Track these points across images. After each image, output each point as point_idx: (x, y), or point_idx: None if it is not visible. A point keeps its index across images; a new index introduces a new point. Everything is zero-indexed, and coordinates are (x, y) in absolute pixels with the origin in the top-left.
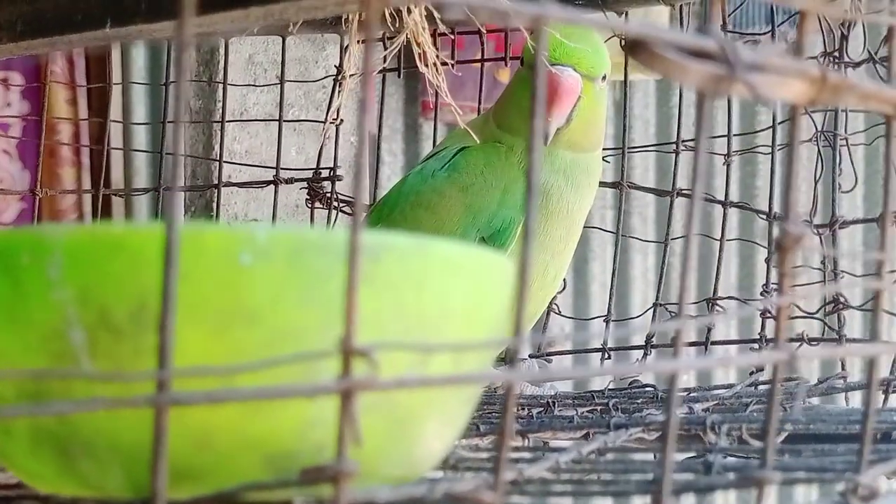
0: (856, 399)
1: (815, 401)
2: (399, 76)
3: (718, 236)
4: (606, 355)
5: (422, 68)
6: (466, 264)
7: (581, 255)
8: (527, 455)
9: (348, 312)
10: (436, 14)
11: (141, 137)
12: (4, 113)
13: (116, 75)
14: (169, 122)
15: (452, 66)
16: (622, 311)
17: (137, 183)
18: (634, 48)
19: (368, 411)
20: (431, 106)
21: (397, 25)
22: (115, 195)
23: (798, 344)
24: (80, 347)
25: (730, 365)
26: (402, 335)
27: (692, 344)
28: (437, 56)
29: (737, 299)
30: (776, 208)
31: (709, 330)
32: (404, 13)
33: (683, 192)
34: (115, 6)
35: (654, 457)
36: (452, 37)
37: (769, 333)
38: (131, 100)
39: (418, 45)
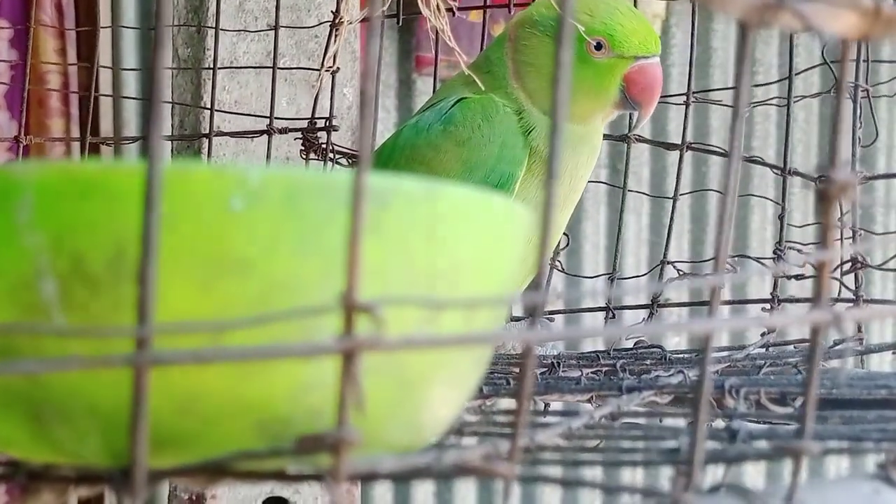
0: (872, 362)
1: (832, 365)
2: (398, 23)
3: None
4: (611, 314)
5: (424, 11)
6: (479, 212)
7: (574, 216)
8: (537, 420)
9: (351, 263)
10: None
11: (131, 86)
12: None
13: (105, 19)
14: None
15: (453, 12)
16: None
17: (128, 132)
18: None
19: (372, 373)
20: (430, 61)
21: None
22: (104, 144)
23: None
24: (51, 300)
25: (768, 325)
26: (410, 289)
27: (698, 304)
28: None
29: (746, 256)
30: (794, 163)
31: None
32: None
33: (693, 145)
34: None
35: (660, 420)
36: None
37: (782, 294)
38: (121, 46)
39: None
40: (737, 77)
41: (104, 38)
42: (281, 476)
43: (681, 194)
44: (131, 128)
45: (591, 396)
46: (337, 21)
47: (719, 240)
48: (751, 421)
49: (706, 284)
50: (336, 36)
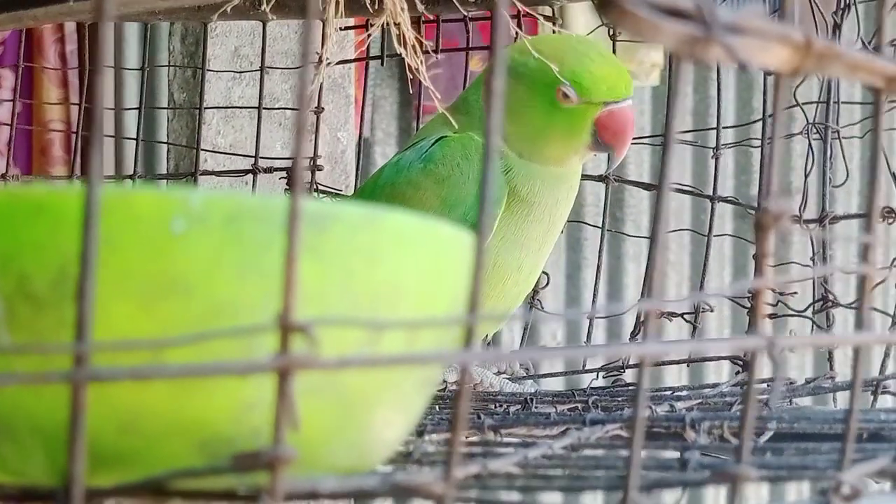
0: (844, 400)
1: (806, 402)
2: (381, 63)
3: (711, 232)
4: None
5: (399, 49)
6: (422, 238)
7: (574, 262)
8: (497, 450)
9: (287, 284)
10: None
11: (132, 128)
12: None
13: (108, 60)
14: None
15: (435, 52)
16: (616, 319)
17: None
18: (605, 5)
19: (313, 393)
20: (432, 109)
21: (376, 7)
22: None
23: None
24: None
25: (705, 353)
26: (351, 312)
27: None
28: (417, 38)
29: (727, 297)
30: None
31: (694, 329)
32: None
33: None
34: None
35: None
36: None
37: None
38: (123, 92)
39: (397, 26)
40: (667, 113)
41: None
42: (231, 497)
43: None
44: (131, 168)
45: (563, 430)
46: (320, 61)
47: (653, 265)
48: (711, 454)
49: (640, 308)
50: (315, 76)
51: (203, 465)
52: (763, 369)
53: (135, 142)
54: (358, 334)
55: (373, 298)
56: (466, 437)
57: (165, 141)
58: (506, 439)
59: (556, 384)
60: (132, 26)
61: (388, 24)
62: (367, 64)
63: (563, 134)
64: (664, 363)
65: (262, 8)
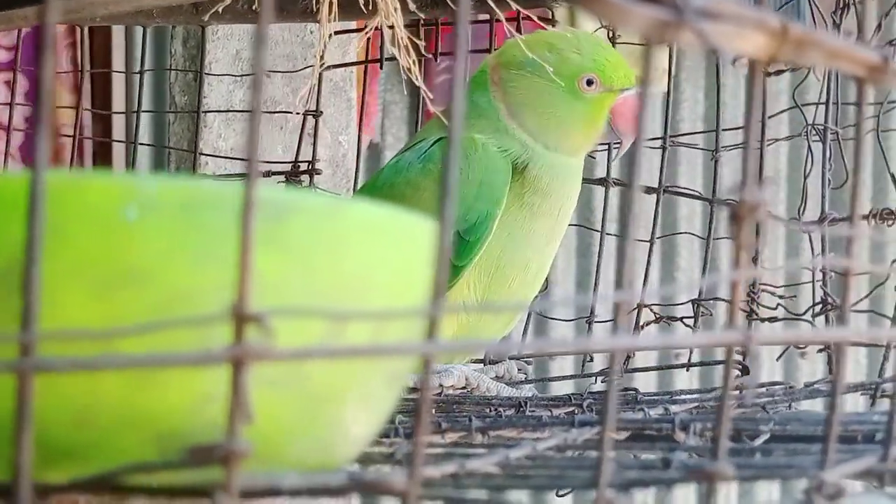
0: (847, 404)
1: (816, 405)
2: (381, 67)
3: (710, 236)
4: (589, 358)
5: (392, 50)
6: (390, 229)
7: (584, 268)
8: (479, 451)
9: (241, 274)
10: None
11: (143, 132)
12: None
13: (119, 66)
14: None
15: (434, 57)
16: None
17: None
18: None
19: (274, 386)
20: (424, 110)
21: (370, 8)
22: None
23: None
24: None
25: (682, 347)
26: (314, 303)
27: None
28: (411, 40)
29: (723, 300)
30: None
31: (694, 332)
32: None
33: (670, 189)
34: None
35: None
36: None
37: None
38: (133, 95)
39: (391, 28)
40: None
41: (118, 85)
42: (191, 493)
43: (657, 237)
44: (144, 172)
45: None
46: (320, 64)
47: (623, 257)
48: (700, 454)
49: (624, 300)
50: (313, 79)
51: (158, 460)
52: (761, 373)
53: (148, 146)
54: (321, 326)
55: (338, 291)
56: (457, 439)
57: (166, 145)
58: (493, 441)
59: (566, 389)
60: (139, 32)
61: (383, 27)
62: (367, 68)
63: (584, 122)
64: (666, 367)
65: (257, 8)
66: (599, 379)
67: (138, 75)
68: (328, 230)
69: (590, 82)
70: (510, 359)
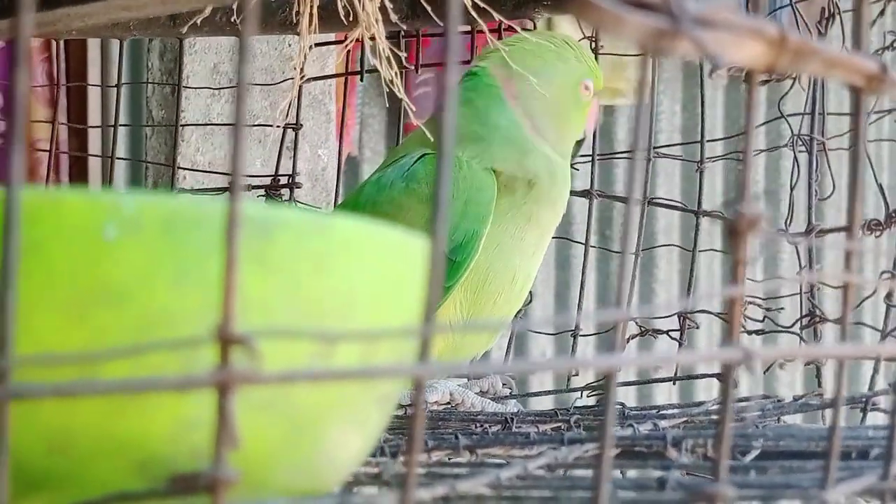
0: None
1: (797, 419)
2: (361, 80)
3: (696, 248)
4: (575, 373)
5: (372, 60)
6: (377, 246)
7: (563, 281)
8: (469, 471)
9: (226, 294)
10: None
11: (120, 146)
12: None
13: (95, 78)
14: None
15: (416, 68)
16: (607, 337)
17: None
18: None
19: (260, 410)
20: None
21: (351, 20)
22: None
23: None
24: None
25: (673, 363)
26: (300, 323)
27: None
28: (392, 51)
29: (710, 313)
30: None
31: (679, 345)
32: (358, 7)
33: (654, 200)
34: None
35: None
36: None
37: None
38: (109, 107)
39: (372, 39)
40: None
41: (94, 99)
42: None
43: (643, 249)
44: (121, 187)
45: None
46: (300, 77)
47: (622, 273)
48: (693, 473)
49: (615, 318)
50: (292, 92)
51: (140, 488)
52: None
53: (125, 161)
54: (309, 347)
55: (324, 309)
56: (445, 458)
57: (143, 159)
58: (481, 459)
59: (547, 404)
60: (115, 45)
61: (364, 38)
62: (347, 80)
63: (578, 125)
64: (652, 381)
65: (236, 21)
66: (585, 393)
67: (115, 89)
68: (315, 247)
69: (586, 87)
70: (494, 373)
